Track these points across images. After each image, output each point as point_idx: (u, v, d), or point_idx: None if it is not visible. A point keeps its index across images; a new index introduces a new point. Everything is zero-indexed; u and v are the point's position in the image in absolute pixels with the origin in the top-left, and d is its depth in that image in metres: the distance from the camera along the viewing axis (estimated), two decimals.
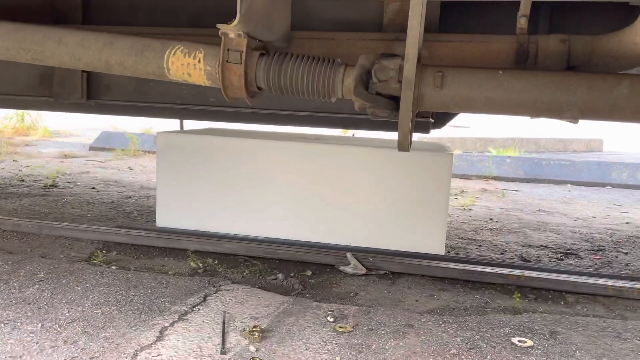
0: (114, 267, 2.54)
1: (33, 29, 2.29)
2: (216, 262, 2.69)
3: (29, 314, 1.96)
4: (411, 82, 1.81)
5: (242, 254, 2.80)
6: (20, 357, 1.66)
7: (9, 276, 2.33)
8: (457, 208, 4.61)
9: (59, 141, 8.55)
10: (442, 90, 1.89)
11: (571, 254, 3.29)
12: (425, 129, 2.95)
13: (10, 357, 1.65)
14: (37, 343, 1.75)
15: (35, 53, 2.29)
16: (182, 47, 2.06)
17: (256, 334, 1.84)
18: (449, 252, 3.15)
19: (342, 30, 2.68)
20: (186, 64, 2.07)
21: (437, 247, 2.89)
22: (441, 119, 3.07)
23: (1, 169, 5.45)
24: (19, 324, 1.88)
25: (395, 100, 1.91)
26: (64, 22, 3.02)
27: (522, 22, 2.15)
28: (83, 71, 3.15)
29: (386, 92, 1.90)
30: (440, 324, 2.06)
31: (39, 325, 1.88)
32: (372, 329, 1.98)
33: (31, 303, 2.06)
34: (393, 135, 2.65)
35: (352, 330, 1.96)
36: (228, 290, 2.30)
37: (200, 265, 2.63)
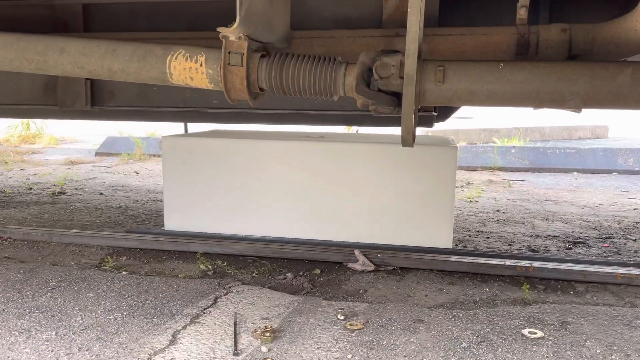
0: (124, 273, 2.56)
1: (35, 39, 2.30)
2: (225, 263, 2.71)
3: (43, 322, 1.99)
4: (412, 78, 1.81)
5: (251, 254, 2.82)
6: None
7: (22, 285, 2.35)
8: (463, 200, 4.61)
9: (65, 148, 8.61)
10: (444, 84, 1.89)
11: (579, 242, 3.29)
12: (428, 122, 2.95)
13: None
14: (52, 351, 1.77)
15: (39, 63, 2.30)
16: (184, 52, 2.07)
17: (268, 334, 1.85)
18: (456, 245, 3.15)
19: (341, 28, 2.68)
20: (188, 68, 2.08)
21: (444, 240, 2.89)
22: (444, 112, 3.07)
23: (9, 178, 5.50)
24: (33, 332, 1.90)
25: (397, 96, 1.91)
26: (65, 31, 3.03)
27: (522, 13, 2.15)
28: (86, 79, 3.18)
29: (388, 88, 1.91)
30: (450, 318, 2.06)
31: (54, 333, 1.90)
32: (382, 326, 1.99)
33: (45, 311, 2.08)
34: (397, 131, 2.65)
35: (363, 328, 1.97)
36: (238, 291, 2.32)
37: (210, 267, 2.65)
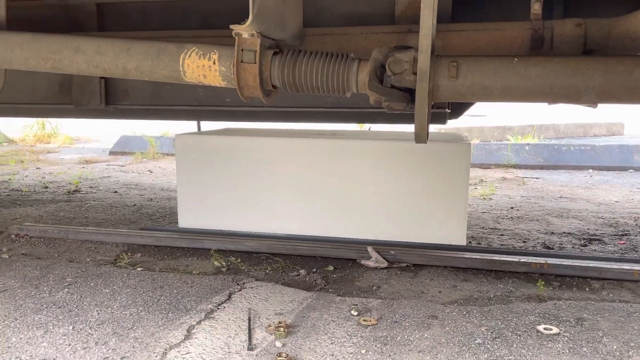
0: (139, 269, 2.58)
1: (50, 39, 2.33)
2: (239, 260, 2.72)
3: (60, 317, 2.01)
4: (426, 74, 1.81)
5: (264, 251, 2.83)
6: (54, 359, 1.70)
7: (39, 281, 2.39)
8: (477, 198, 4.58)
9: (80, 147, 8.69)
10: (458, 80, 1.89)
11: (595, 239, 3.25)
12: (441, 119, 2.94)
13: (44, 359, 1.70)
14: (69, 345, 1.79)
15: (54, 62, 2.33)
16: (197, 49, 2.08)
17: (282, 329, 1.86)
18: (470, 242, 3.14)
19: (354, 24, 2.68)
20: (201, 66, 2.09)
21: (458, 237, 2.88)
22: (457, 109, 3.06)
23: (25, 177, 5.57)
24: (50, 327, 1.93)
25: (410, 93, 1.90)
26: (80, 30, 3.07)
27: (536, 8, 2.13)
28: (101, 77, 3.21)
29: (401, 84, 1.90)
30: (465, 314, 2.06)
31: (70, 327, 1.92)
32: (396, 321, 1.99)
33: (62, 306, 2.11)
34: (409, 128, 2.64)
35: (377, 323, 1.97)
36: (252, 287, 2.33)
37: (224, 264, 2.67)
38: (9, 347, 1.77)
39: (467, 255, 2.66)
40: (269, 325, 1.92)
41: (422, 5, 1.76)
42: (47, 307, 2.10)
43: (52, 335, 1.86)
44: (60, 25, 3.12)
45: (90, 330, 1.90)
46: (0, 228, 3.29)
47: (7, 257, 2.74)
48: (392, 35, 2.55)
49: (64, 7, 3.15)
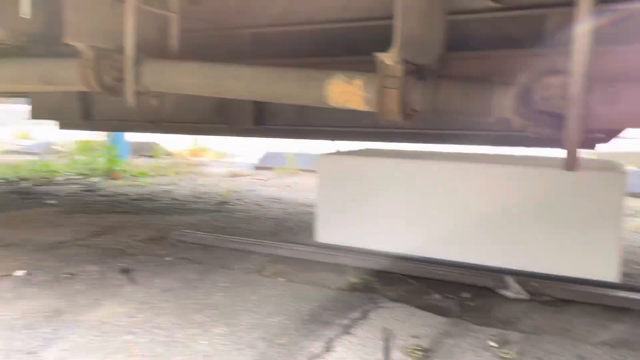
0: (281, 280, 2.76)
1: (215, 68, 2.63)
2: (373, 278, 2.79)
3: (216, 318, 2.24)
4: (578, 99, 1.74)
5: (398, 271, 2.87)
6: (212, 356, 1.90)
7: (197, 284, 2.67)
8: (632, 231, 4.17)
9: (228, 161, 9.46)
10: (615, 106, 1.78)
11: None
12: (590, 144, 2.75)
13: (204, 356, 1.91)
14: (224, 345, 1.99)
15: (217, 87, 2.63)
16: (342, 76, 2.22)
17: (418, 352, 1.88)
18: (624, 279, 2.87)
19: (498, 47, 2.64)
20: (346, 92, 2.22)
21: (610, 273, 2.66)
22: (608, 133, 2.84)
23: (182, 187, 6.21)
24: (208, 326, 2.15)
25: (558, 118, 1.84)
26: (237, 56, 3.37)
27: None
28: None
29: (549, 109, 1.85)
30: (616, 358, 1.91)
31: (225, 329, 2.13)
32: (539, 358, 1.91)
33: (217, 308, 2.34)
34: (551, 152, 2.52)
35: (517, 357, 1.91)
36: (387, 307, 2.38)
37: (359, 280, 2.75)
38: (174, 341, 2.02)
39: (621, 293, 2.45)
40: (405, 347, 1.95)
41: (577, 26, 1.71)
42: (204, 308, 2.34)
43: (209, 335, 2.08)
44: (220, 52, 3.47)
45: (241, 333, 2.09)
46: (163, 234, 3.72)
47: (169, 259, 3.10)
48: (539, 58, 2.46)
49: (222, 37, 3.50)
